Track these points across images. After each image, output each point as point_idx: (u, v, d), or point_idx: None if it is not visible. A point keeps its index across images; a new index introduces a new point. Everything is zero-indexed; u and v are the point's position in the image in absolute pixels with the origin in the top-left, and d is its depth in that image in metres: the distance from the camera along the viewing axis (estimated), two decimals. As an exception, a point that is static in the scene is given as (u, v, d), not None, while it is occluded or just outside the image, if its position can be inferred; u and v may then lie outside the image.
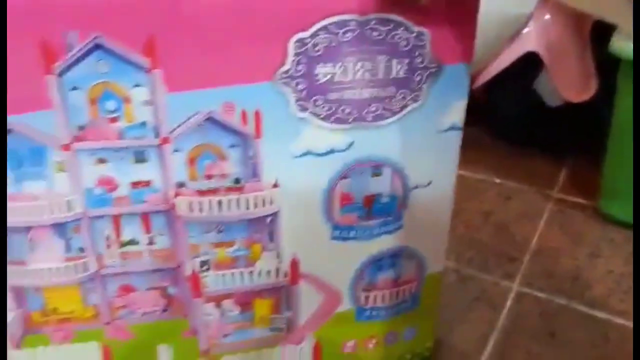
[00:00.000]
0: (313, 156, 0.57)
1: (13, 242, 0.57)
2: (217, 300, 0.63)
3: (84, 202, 0.55)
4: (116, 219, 0.57)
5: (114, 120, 0.52)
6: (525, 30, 1.11)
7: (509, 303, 0.82)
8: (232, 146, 0.56)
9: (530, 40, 1.12)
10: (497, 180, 1.13)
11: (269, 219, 0.60)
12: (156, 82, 0.51)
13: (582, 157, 1.17)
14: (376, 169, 0.60)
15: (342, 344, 0.70)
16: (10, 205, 0.53)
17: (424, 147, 0.60)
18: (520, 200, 1.07)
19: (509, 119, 1.24)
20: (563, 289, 0.84)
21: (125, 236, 0.58)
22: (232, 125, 0.54)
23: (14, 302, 0.59)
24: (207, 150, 0.56)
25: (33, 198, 0.54)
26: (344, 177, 0.59)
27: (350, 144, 0.57)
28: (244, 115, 0.53)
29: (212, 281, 0.61)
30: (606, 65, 0.97)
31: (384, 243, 0.64)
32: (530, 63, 1.16)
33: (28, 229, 0.56)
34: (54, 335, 0.61)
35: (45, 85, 0.49)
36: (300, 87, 0.53)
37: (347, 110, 0.55)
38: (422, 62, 0.55)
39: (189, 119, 0.53)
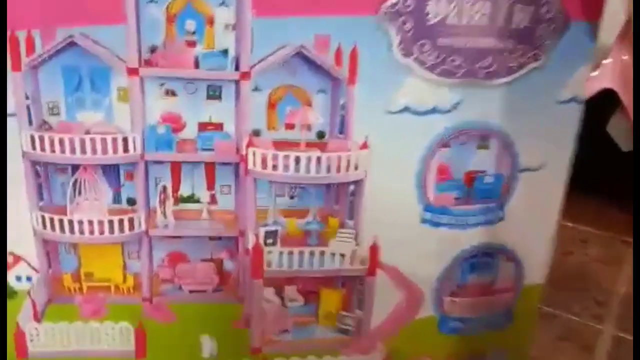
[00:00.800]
0: (412, 114, 0.48)
1: (56, 183, 0.49)
2: (280, 284, 0.53)
3: (144, 141, 0.47)
4: (176, 168, 0.49)
5: (191, 44, 0.44)
6: (602, 66, 1.08)
7: (603, 346, 0.73)
8: (321, 91, 0.48)
9: (606, 76, 1.09)
10: (570, 224, 1.04)
11: (351, 188, 0.50)
12: (244, 2, 0.44)
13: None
14: (483, 140, 0.50)
15: (417, 360, 0.58)
16: (59, 136, 0.46)
17: (540, 119, 0.50)
18: (598, 245, 0.99)
19: (579, 162, 1.15)
20: None
21: (185, 190, 0.49)
22: (325, 64, 0.46)
23: (44, 259, 0.50)
24: (291, 94, 0.47)
25: (86, 130, 0.46)
26: (445, 145, 0.50)
27: (456, 105, 0.48)
28: (338, 54, 0.45)
29: (277, 259, 0.50)
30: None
31: (481, 236, 0.53)
32: (605, 103, 1.10)
33: (74, 168, 0.48)
34: (83, 308, 0.51)
35: (120, -6, 0.43)
36: (407, 26, 0.45)
37: (457, 62, 0.46)
38: (548, 13, 0.46)
39: (275, 51, 0.45)
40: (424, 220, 0.52)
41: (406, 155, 0.49)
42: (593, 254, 0.98)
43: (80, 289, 0.50)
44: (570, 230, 1.04)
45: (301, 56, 0.45)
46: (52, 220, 0.47)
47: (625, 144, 1.09)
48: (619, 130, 1.07)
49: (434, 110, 0.48)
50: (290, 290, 0.53)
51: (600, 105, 1.05)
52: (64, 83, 0.45)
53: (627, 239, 1.01)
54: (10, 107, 0.45)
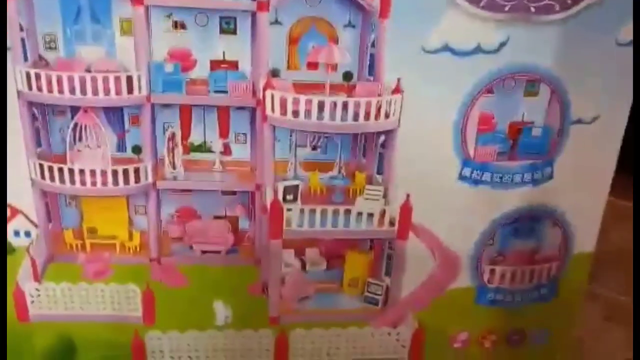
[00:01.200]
0: (451, 54, 0.42)
1: (54, 128, 0.44)
2: (301, 246, 0.48)
3: (150, 80, 0.42)
4: (186, 112, 0.44)
5: (202, -33, 0.40)
6: None
7: None
8: (349, 26, 0.42)
9: None
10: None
11: (381, 139, 0.45)
12: None
13: None
14: (531, 85, 0.44)
15: (451, 335, 0.52)
16: (56, 74, 0.41)
17: (596, 64, 0.44)
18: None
19: None
20: None
21: (195, 138, 0.45)
22: (354, -7, 0.40)
23: (44, 212, 0.46)
24: (315, 27, 0.42)
25: (86, 68, 0.42)
26: (488, 90, 0.44)
27: (503, 44, 0.42)
28: (370, -20, 0.40)
29: (298, 218, 0.45)
30: None
31: (526, 197, 0.47)
32: None
33: (74, 110, 0.43)
34: (87, 268, 0.47)
35: None
36: None
37: None
38: None
39: (298, -23, 0.40)
40: (462, 177, 0.46)
41: (444, 101, 0.43)
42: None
43: (83, 246, 0.46)
44: (607, 204, 0.98)
45: (327, -17, 0.40)
46: (50, 168, 0.43)
47: None
48: None
49: (477, 50, 0.42)
50: (311, 253, 0.48)
51: None
52: (61, 12, 0.40)
53: None
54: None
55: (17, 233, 0.46)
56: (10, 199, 0.45)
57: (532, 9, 0.41)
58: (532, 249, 0.50)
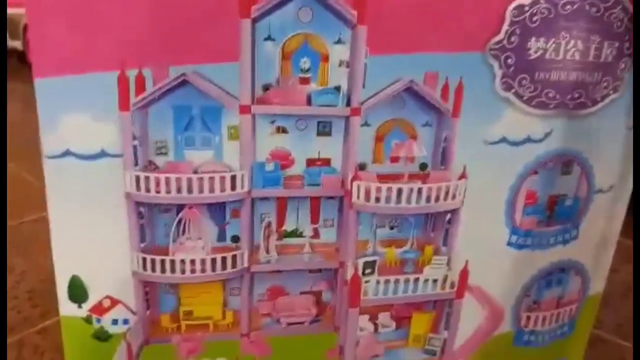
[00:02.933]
0: (508, 144, 0.48)
1: (159, 225, 0.46)
2: (375, 312, 0.52)
3: (252, 179, 0.45)
4: (282, 204, 0.47)
5: (305, 81, 0.43)
6: None
7: None
8: (426, 125, 0.47)
9: None
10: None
11: (448, 216, 0.50)
12: (359, 40, 0.42)
13: None
14: (567, 166, 0.52)
15: (494, 373, 0.59)
16: (165, 176, 0.43)
17: (614, 144, 0.52)
18: None
19: None
20: None
21: (289, 225, 0.48)
22: (432, 99, 0.46)
23: (143, 301, 0.48)
24: (397, 127, 0.47)
25: (193, 169, 0.44)
26: (534, 172, 0.51)
27: (548, 134, 0.49)
28: (445, 88, 0.45)
29: (374, 288, 0.50)
30: None
31: (558, 254, 0.55)
32: None
33: (180, 207, 0.45)
34: (181, 347, 0.49)
35: (237, 31, 0.41)
36: (509, 61, 0.45)
37: (551, 94, 0.47)
38: (629, 48, 0.48)
39: (386, 87, 0.44)
40: (509, 243, 0.53)
41: (499, 183, 0.50)
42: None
43: (179, 328, 0.48)
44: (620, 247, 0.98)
45: (410, 91, 0.45)
46: (153, 261, 0.45)
47: None
48: None
49: (527, 140, 0.49)
50: (383, 317, 0.53)
51: None
52: (174, 122, 0.42)
53: None
54: (116, 147, 0.42)
55: (115, 321, 0.47)
56: (111, 290, 0.47)
57: (571, 106, 0.49)
58: (560, 295, 0.58)
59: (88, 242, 0.45)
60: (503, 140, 0.48)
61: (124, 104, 0.41)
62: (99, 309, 0.47)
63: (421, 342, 0.55)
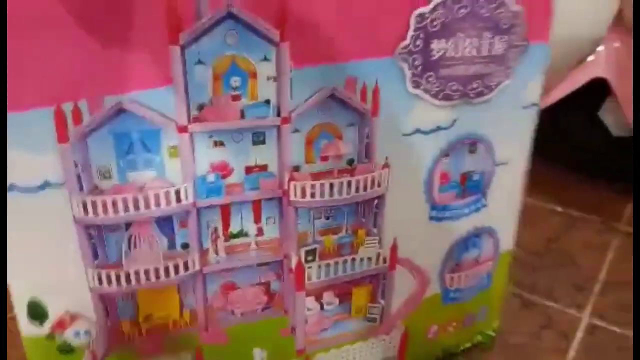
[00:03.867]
0: (421, 134, 0.54)
1: (110, 243, 0.49)
2: (319, 292, 0.58)
3: (195, 191, 0.48)
4: (225, 209, 0.51)
5: (236, 98, 0.46)
6: (594, 54, 0.97)
7: (580, 334, 0.73)
8: (350, 125, 0.52)
9: (598, 66, 0.99)
10: (559, 209, 1.03)
11: (375, 202, 0.56)
12: (283, 56, 0.46)
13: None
14: (472, 146, 0.59)
15: (426, 329, 0.67)
16: (111, 198, 0.46)
17: (509, 123, 0.59)
18: (585, 231, 0.97)
19: (574, 147, 1.13)
20: None
21: (234, 227, 0.52)
22: (353, 102, 0.50)
23: (103, 312, 0.50)
24: (325, 130, 0.51)
25: (138, 190, 0.47)
26: (446, 154, 0.57)
27: (454, 121, 0.56)
28: (364, 91, 0.50)
29: (316, 272, 0.55)
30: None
31: (472, 222, 0.63)
32: (596, 90, 1.02)
33: (128, 225, 0.48)
34: (142, 348, 0.53)
35: (168, 58, 0.43)
36: (416, 62, 0.51)
37: (454, 87, 0.54)
38: (516, 40, 0.55)
39: (311, 96, 0.48)
40: (431, 218, 0.60)
41: (417, 168, 0.56)
42: (580, 240, 0.94)
43: (140, 332, 0.52)
44: (560, 215, 1.01)
45: (333, 97, 0.49)
46: (108, 275, 0.48)
47: (616, 128, 1.07)
48: (610, 115, 1.07)
49: (438, 128, 0.55)
50: (327, 296, 0.58)
51: (593, 93, 1.04)
52: (114, 148, 0.44)
53: (614, 224, 0.99)
54: (58, 177, 0.44)
55: (77, 334, 0.50)
56: (70, 306, 0.49)
57: (471, 95, 0.55)
58: (477, 256, 0.66)
59: (43, 265, 0.47)
60: (417, 131, 0.54)
61: (62, 137, 0.42)
62: (61, 324, 0.50)
63: (362, 312, 0.62)
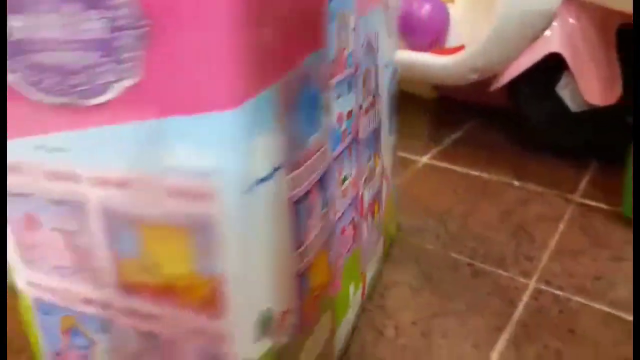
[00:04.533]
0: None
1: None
2: (368, 212, 0.67)
3: (331, 143, 0.50)
4: (340, 157, 0.54)
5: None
6: (549, 30, 0.95)
7: (525, 299, 0.74)
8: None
9: (553, 41, 0.98)
10: (516, 183, 1.05)
11: (377, 132, 0.68)
12: None
13: (605, 161, 1.09)
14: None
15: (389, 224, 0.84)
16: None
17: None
18: (540, 204, 0.98)
19: (531, 122, 1.14)
20: (585, 288, 0.75)
21: (344, 172, 0.55)
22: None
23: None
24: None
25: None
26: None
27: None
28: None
29: (367, 196, 0.65)
30: (630, 69, 0.92)
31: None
32: (552, 65, 1.01)
33: (307, 194, 0.46)
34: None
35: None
36: None
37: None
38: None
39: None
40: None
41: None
42: (534, 212, 0.96)
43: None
44: (515, 190, 1.03)
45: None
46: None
47: (573, 104, 1.08)
48: (567, 90, 1.07)
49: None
50: (369, 213, 0.68)
51: (550, 68, 1.03)
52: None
53: (570, 197, 1.00)
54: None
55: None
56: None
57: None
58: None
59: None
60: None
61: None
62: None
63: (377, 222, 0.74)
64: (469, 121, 1.36)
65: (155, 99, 0.36)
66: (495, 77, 1.08)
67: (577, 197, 1.01)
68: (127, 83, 0.36)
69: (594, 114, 1.05)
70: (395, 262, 0.82)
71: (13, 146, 0.42)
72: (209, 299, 0.41)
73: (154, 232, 0.40)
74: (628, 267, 0.80)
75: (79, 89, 0.37)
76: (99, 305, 0.46)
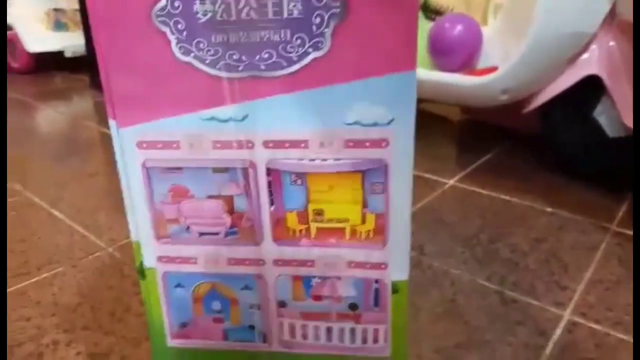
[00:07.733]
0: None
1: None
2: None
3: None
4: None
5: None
6: (587, 52, 0.91)
7: (558, 332, 0.68)
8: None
9: (592, 63, 0.92)
10: (549, 209, 0.99)
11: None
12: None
13: (644, 190, 1.00)
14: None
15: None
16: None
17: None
18: (574, 231, 0.92)
19: (566, 147, 1.07)
20: (623, 322, 0.70)
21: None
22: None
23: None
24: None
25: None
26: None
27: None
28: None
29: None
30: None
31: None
32: (590, 89, 0.95)
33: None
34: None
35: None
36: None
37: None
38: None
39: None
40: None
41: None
42: (568, 240, 0.90)
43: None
44: (548, 216, 0.97)
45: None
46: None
47: (611, 129, 1.01)
48: (604, 116, 1.01)
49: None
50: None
51: (587, 92, 0.98)
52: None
53: (606, 225, 0.94)
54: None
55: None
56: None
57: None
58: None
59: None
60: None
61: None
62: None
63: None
64: (498, 144, 1.32)
65: (344, 65, 0.41)
66: (526, 100, 1.03)
67: (614, 226, 0.95)
68: (316, 54, 0.42)
69: (631, 139, 0.98)
70: (417, 287, 0.76)
71: (174, 123, 0.44)
72: (374, 234, 0.47)
73: (324, 181, 0.45)
74: (671, 301, 0.72)
75: (268, 62, 0.42)
76: (251, 262, 0.49)
